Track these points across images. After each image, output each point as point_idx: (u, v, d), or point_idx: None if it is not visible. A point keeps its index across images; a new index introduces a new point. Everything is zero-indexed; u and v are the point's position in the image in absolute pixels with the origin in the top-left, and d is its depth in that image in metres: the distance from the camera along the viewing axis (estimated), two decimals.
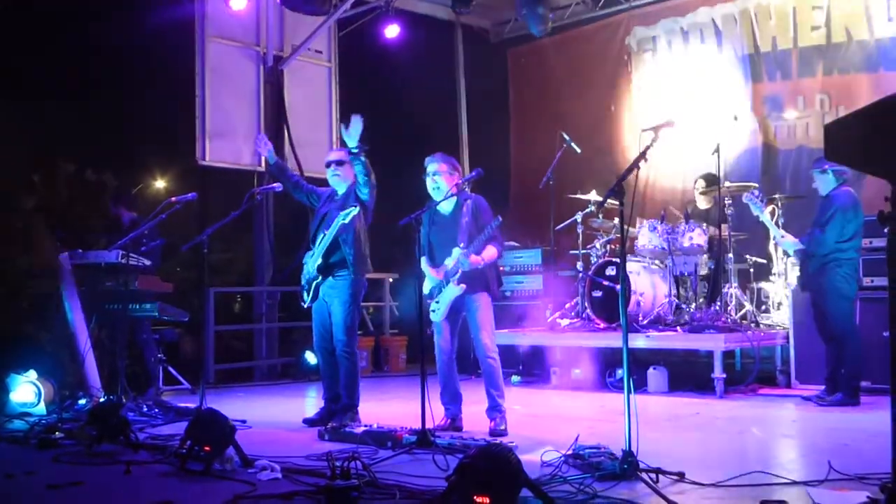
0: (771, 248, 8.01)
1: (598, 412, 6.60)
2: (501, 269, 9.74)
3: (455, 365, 5.92)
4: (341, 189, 6.21)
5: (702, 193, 8.75)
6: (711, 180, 8.65)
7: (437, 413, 5.38)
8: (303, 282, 6.18)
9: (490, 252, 5.62)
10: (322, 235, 5.99)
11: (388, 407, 7.03)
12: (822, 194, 6.72)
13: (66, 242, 7.06)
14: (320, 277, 6.00)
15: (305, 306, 6.20)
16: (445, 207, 5.79)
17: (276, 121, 10.32)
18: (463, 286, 5.60)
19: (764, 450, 4.89)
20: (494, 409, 5.69)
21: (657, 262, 8.48)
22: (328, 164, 6.23)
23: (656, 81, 10.73)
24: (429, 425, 5.03)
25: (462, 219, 5.67)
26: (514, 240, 10.00)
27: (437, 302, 5.75)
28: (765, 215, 7.05)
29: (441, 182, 5.68)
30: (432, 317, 5.78)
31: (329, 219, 6.01)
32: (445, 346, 5.86)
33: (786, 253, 7.49)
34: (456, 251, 5.58)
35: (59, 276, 6.95)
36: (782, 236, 6.95)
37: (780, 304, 7.97)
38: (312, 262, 6.03)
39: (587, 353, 8.17)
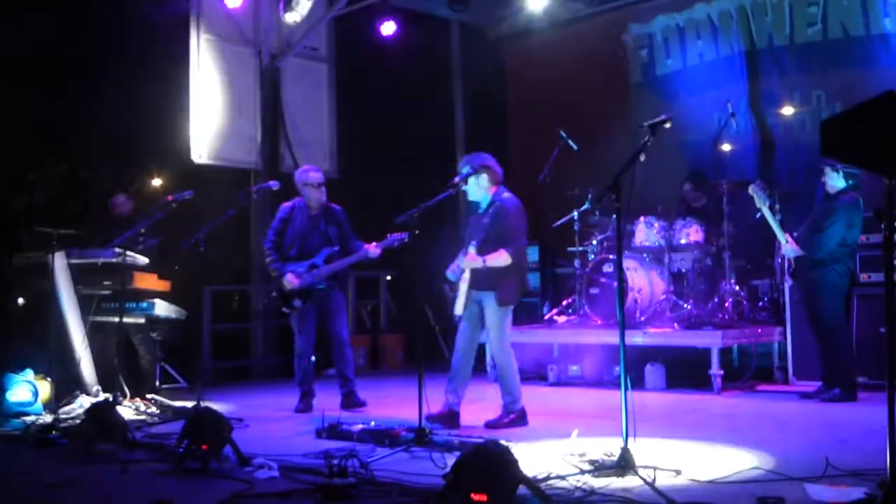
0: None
1: (595, 409, 6.60)
2: None
3: (469, 360, 5.90)
4: (318, 203, 6.83)
5: (695, 191, 8.77)
6: (698, 179, 8.67)
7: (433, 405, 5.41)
8: (296, 287, 6.64)
9: (496, 255, 5.63)
10: (331, 252, 6.70)
11: (385, 405, 7.03)
12: (829, 192, 6.70)
13: (63, 241, 7.04)
14: (325, 288, 6.70)
15: (297, 308, 6.69)
16: (482, 205, 5.86)
17: (272, 119, 10.30)
18: (465, 282, 5.72)
19: (761, 446, 4.90)
20: (502, 406, 5.74)
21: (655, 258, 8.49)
22: (319, 185, 6.80)
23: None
24: (426, 411, 5.10)
25: (484, 219, 5.76)
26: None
27: (456, 295, 5.87)
28: (766, 209, 6.98)
29: (470, 187, 5.81)
30: (455, 310, 5.87)
31: (325, 234, 6.74)
32: (461, 340, 5.90)
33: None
34: (470, 249, 5.69)
35: (55, 274, 6.94)
36: (786, 241, 6.85)
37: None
38: (319, 273, 6.66)
39: (584, 349, 8.17)
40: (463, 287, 5.75)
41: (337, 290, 6.83)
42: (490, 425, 5.66)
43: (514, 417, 5.73)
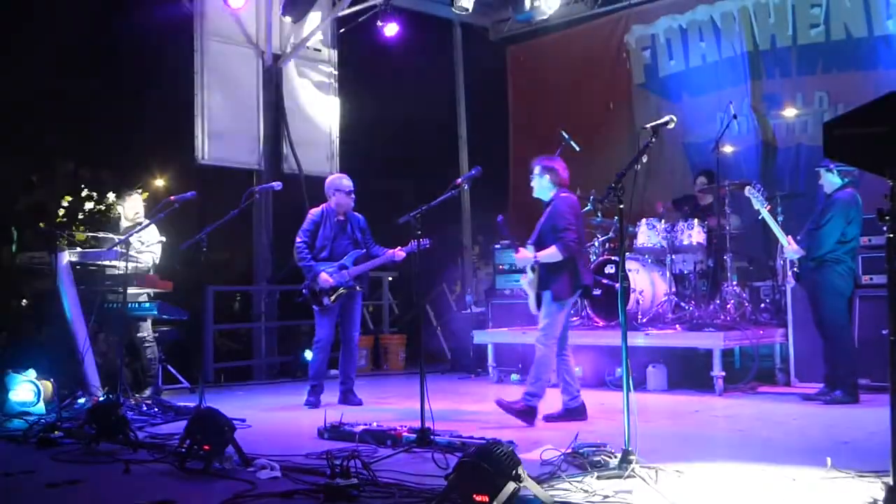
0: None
1: (597, 410, 6.59)
2: (501, 267, 9.74)
3: (562, 357, 6.03)
4: (347, 209, 7.22)
5: (701, 191, 8.77)
6: (712, 177, 8.67)
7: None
8: (325, 285, 6.98)
9: (547, 251, 5.85)
10: (359, 255, 7.14)
11: (387, 405, 7.04)
12: (826, 192, 6.72)
13: (66, 240, 7.04)
14: (353, 287, 7.12)
15: (326, 306, 7.05)
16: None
17: (275, 120, 10.31)
18: (525, 279, 6.09)
19: (763, 447, 4.90)
20: (524, 391, 5.89)
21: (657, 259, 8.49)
22: (350, 192, 7.18)
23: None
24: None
25: (542, 218, 6.04)
26: (513, 238, 10.01)
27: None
28: (765, 211, 7.01)
29: (536, 185, 6.09)
30: (531, 308, 6.16)
31: (353, 239, 7.18)
32: None
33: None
34: (524, 247, 6.04)
35: (58, 274, 6.95)
36: (788, 243, 6.86)
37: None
38: (348, 273, 7.08)
39: (586, 351, 8.16)
40: (523, 283, 6.13)
41: (359, 291, 7.26)
42: (500, 403, 5.85)
43: (523, 408, 5.80)
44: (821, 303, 6.62)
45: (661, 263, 8.40)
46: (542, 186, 6.07)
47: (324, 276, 7.01)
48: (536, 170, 6.08)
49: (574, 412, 6.00)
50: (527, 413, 5.79)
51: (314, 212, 7.27)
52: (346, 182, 7.27)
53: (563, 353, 6.03)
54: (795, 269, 6.90)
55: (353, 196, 7.24)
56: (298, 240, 7.19)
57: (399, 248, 7.06)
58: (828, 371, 6.69)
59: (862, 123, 3.22)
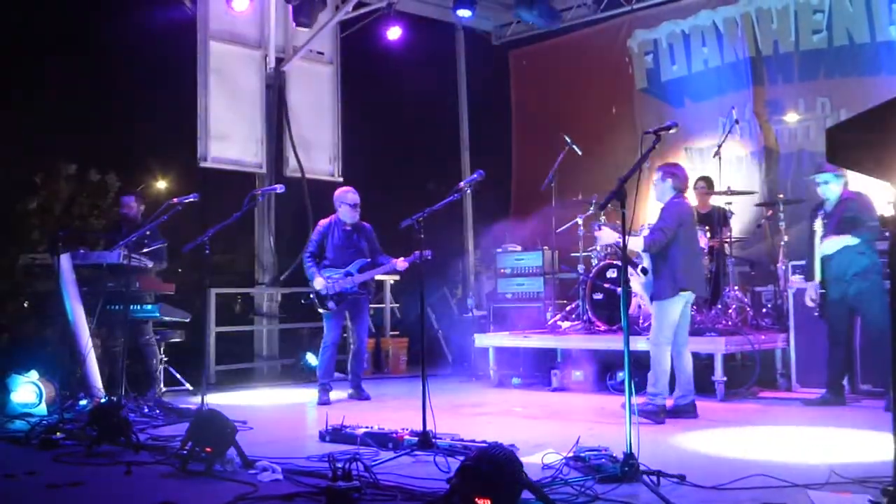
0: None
1: (598, 414, 6.60)
2: (502, 271, 9.75)
3: (675, 355, 6.21)
4: (352, 220, 7.58)
5: (705, 194, 8.76)
6: (711, 183, 8.66)
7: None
8: (329, 292, 7.43)
9: (635, 239, 6.07)
10: (364, 264, 7.51)
11: (389, 408, 7.04)
12: (830, 198, 6.65)
13: (68, 243, 7.04)
14: (357, 293, 7.52)
15: (332, 309, 7.47)
16: None
17: (277, 122, 10.32)
18: (638, 282, 6.46)
19: (765, 453, 4.90)
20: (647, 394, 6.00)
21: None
22: (355, 205, 7.54)
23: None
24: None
25: None
26: (515, 242, 10.03)
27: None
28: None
29: (655, 188, 6.38)
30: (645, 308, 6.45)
31: (358, 248, 7.57)
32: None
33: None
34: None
35: (60, 275, 6.95)
36: (821, 243, 6.63)
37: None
38: (353, 280, 7.46)
39: (588, 355, 8.16)
40: (636, 286, 6.44)
41: (365, 296, 7.69)
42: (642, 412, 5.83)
43: (651, 409, 5.90)
44: (876, 306, 6.38)
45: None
46: (662, 190, 6.26)
47: (317, 281, 7.45)
48: (658, 175, 6.30)
49: (682, 409, 6.17)
50: (652, 413, 5.92)
51: (322, 223, 7.70)
52: (352, 196, 7.61)
53: (678, 352, 6.22)
54: (819, 302, 6.81)
55: (357, 209, 7.58)
56: (306, 249, 7.66)
57: (402, 258, 7.40)
58: (832, 376, 6.68)
59: (864, 129, 3.22)
